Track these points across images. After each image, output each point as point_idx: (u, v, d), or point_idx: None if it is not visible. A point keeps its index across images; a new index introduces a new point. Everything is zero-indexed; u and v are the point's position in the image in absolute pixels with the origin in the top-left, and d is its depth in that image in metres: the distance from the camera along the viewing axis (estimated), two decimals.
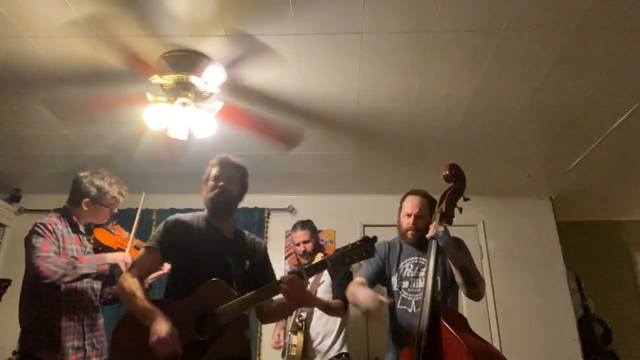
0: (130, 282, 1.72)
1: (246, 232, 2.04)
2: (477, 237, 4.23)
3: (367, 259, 1.72)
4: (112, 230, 2.48)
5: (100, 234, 2.40)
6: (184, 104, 2.40)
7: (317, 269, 1.73)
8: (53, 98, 2.73)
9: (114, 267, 2.33)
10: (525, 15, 2.09)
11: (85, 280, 2.23)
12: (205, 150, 3.34)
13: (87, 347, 2.20)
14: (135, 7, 2.07)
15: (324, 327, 2.81)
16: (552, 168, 3.81)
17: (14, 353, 3.32)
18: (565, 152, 3.50)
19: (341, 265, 1.69)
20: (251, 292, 1.68)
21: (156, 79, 2.39)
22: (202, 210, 1.96)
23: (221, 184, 1.89)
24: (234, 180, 1.92)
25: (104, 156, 3.63)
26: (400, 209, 2.32)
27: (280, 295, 1.72)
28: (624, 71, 2.48)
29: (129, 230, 2.48)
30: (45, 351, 2.11)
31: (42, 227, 2.22)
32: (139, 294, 1.69)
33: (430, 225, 2.01)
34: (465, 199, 2.10)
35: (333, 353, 2.76)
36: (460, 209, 2.08)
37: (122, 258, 2.24)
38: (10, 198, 4.32)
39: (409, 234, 2.22)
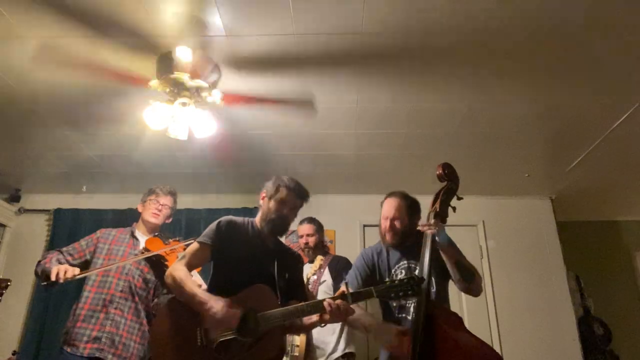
0: (180, 271, 1.80)
1: (284, 244, 2.11)
2: (477, 237, 4.24)
3: (411, 297, 1.74)
4: (166, 241, 2.57)
5: (151, 241, 2.52)
6: (184, 104, 2.41)
7: (361, 296, 1.75)
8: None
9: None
10: (526, 15, 2.09)
11: (123, 280, 2.39)
12: (205, 150, 3.37)
13: (104, 339, 2.26)
14: (128, 9, 2.08)
15: (326, 327, 2.80)
16: (552, 168, 3.81)
17: (14, 353, 3.33)
18: (565, 152, 3.50)
19: (385, 298, 1.72)
20: (297, 305, 1.72)
21: (153, 84, 2.40)
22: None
23: (285, 212, 1.95)
24: (296, 208, 2.01)
25: (104, 156, 3.63)
26: (381, 212, 2.29)
27: None
28: (624, 71, 2.48)
29: None
30: (64, 334, 2.32)
31: (95, 232, 2.56)
32: (188, 281, 1.76)
33: (427, 223, 1.95)
34: (459, 198, 2.09)
35: (338, 353, 2.75)
36: (454, 208, 2.06)
37: (58, 268, 2.19)
38: (10, 198, 4.32)
39: (387, 236, 2.17)
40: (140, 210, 2.62)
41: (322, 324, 1.78)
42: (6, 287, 2.70)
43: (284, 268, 1.96)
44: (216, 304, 1.66)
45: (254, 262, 1.88)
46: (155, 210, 2.58)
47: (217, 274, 1.93)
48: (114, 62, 2.38)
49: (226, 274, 1.88)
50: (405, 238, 2.16)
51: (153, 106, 2.41)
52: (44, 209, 4.30)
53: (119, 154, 3.56)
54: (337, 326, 2.81)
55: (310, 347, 2.76)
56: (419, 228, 2.01)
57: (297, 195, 1.99)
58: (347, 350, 2.77)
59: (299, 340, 2.75)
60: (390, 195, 2.26)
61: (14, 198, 4.33)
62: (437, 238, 1.92)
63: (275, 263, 1.93)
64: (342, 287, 1.79)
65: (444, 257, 1.99)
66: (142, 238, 2.55)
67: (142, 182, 3.99)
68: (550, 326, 3.90)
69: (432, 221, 1.97)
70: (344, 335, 2.80)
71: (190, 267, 1.85)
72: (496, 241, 4.21)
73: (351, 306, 1.79)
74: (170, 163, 3.71)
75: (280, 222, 1.95)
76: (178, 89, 2.41)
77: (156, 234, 2.61)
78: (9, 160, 3.73)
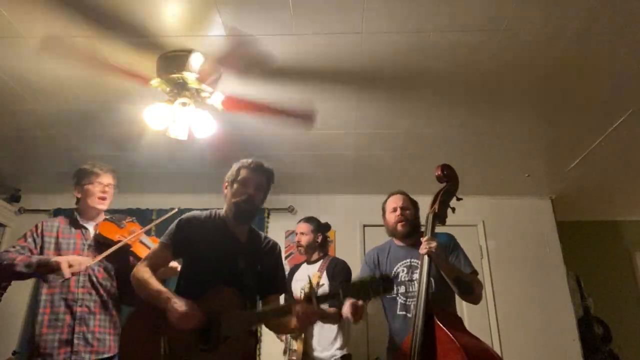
0: (143, 271, 1.75)
1: (261, 234, 1.99)
2: (477, 237, 4.23)
3: (383, 295, 1.70)
4: (120, 224, 2.42)
5: (104, 226, 2.36)
6: (184, 104, 2.40)
7: (328, 298, 1.67)
8: None
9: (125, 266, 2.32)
10: (526, 15, 2.09)
11: (82, 275, 2.20)
12: (205, 150, 3.37)
13: (75, 340, 2.14)
14: (128, 10, 2.08)
15: (324, 331, 2.79)
16: (552, 168, 3.81)
17: (14, 353, 3.33)
18: (565, 152, 3.50)
19: (354, 297, 1.64)
20: (259, 310, 1.67)
21: (155, 83, 2.39)
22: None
23: (249, 192, 1.83)
24: (261, 187, 1.87)
25: (104, 156, 3.62)
26: (384, 211, 2.37)
27: None
28: (624, 71, 2.48)
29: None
30: (30, 345, 2.15)
31: (34, 226, 2.32)
32: (152, 280, 1.71)
33: (422, 240, 1.98)
34: (458, 199, 2.10)
35: (336, 356, 2.75)
36: (454, 209, 2.08)
37: (67, 259, 2.10)
38: (10, 198, 4.31)
39: (399, 225, 2.25)
40: (78, 195, 2.37)
41: (294, 331, 1.70)
42: (6, 287, 2.70)
43: (255, 262, 1.85)
44: (178, 304, 1.59)
45: (221, 260, 1.78)
46: (100, 194, 2.35)
47: (183, 276, 1.86)
48: (116, 59, 2.35)
49: (191, 275, 1.81)
50: (414, 229, 2.24)
51: (153, 106, 2.42)
52: (44, 209, 4.30)
53: (119, 154, 3.56)
54: (334, 331, 2.79)
55: (307, 352, 2.76)
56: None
57: (260, 172, 1.86)
58: (343, 353, 2.77)
59: (296, 345, 2.75)
60: (392, 193, 2.39)
61: (14, 198, 4.32)
62: (432, 258, 1.93)
63: (245, 258, 1.82)
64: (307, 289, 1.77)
65: (443, 274, 2.02)
66: (90, 225, 2.37)
67: (142, 182, 4.00)
68: (550, 326, 3.90)
69: (428, 238, 1.97)
70: (339, 339, 2.79)
71: (152, 268, 1.78)
72: (496, 241, 4.21)
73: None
74: (170, 163, 3.71)
75: (245, 204, 1.81)
76: (179, 89, 2.40)
77: (106, 217, 2.44)
78: (9, 160, 3.73)
